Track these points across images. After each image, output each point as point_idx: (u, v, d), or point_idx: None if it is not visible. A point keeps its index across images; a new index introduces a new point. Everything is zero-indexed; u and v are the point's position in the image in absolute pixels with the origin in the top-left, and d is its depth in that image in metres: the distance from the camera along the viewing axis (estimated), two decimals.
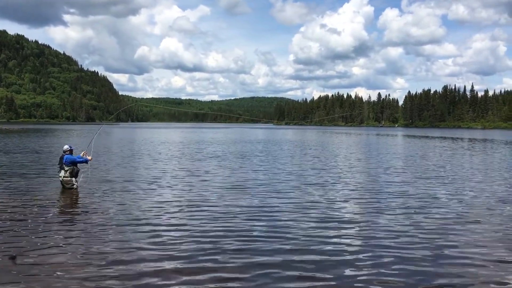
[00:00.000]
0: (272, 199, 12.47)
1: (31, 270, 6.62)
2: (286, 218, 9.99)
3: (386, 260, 7.15)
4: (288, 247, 7.75)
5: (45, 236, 8.41)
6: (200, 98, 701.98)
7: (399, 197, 12.94)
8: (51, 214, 10.42)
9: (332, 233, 8.75)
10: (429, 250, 7.71)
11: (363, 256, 7.30)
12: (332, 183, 15.78)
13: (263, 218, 10.01)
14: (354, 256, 7.30)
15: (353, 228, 9.24)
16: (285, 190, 14.04)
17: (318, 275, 6.47)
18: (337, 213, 10.64)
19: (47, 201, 12.02)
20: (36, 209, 10.89)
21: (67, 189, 13.60)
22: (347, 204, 11.88)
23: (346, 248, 7.79)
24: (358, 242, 8.11)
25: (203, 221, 9.57)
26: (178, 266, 6.82)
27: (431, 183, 16.19)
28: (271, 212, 10.67)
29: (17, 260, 6.91)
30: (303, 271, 6.59)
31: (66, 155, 13.73)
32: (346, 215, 10.49)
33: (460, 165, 23.17)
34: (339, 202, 12.13)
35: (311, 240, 8.21)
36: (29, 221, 9.69)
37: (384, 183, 16.09)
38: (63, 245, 7.91)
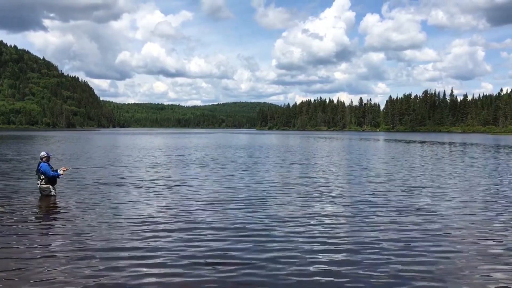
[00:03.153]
0: (256, 213, 11.58)
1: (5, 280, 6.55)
2: (270, 238, 9.04)
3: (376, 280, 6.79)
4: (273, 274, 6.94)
5: (19, 246, 8.19)
6: (182, 104, 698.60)
7: (393, 210, 12.00)
8: (27, 222, 10.30)
9: (321, 257, 7.81)
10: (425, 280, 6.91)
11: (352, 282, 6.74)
12: (320, 195, 14.77)
13: (244, 238, 9.04)
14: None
15: (343, 247, 8.42)
16: (270, 203, 13.08)
17: None
18: (326, 231, 9.65)
19: (24, 209, 11.87)
20: (12, 217, 10.79)
21: (45, 196, 13.35)
22: (336, 219, 10.85)
23: (341, 278, 7.02)
24: (349, 267, 7.30)
25: (179, 241, 8.73)
26: None
27: (425, 193, 15.46)
28: (254, 230, 9.72)
29: None
30: None
31: (41, 163, 13.45)
32: (335, 232, 9.53)
33: (446, 171, 23.28)
34: (327, 217, 11.09)
35: (299, 265, 7.35)
36: (5, 228, 9.63)
37: (376, 194, 15.09)
38: (37, 255, 7.77)
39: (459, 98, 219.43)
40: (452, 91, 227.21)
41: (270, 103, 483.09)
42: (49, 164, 13.68)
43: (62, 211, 11.90)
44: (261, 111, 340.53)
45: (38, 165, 13.54)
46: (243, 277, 6.81)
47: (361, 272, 7.05)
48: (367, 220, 10.77)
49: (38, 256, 7.71)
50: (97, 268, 7.12)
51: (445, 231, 9.76)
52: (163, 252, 7.99)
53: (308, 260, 7.60)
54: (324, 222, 10.49)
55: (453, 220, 10.87)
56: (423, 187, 16.64)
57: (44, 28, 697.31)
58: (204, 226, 10.01)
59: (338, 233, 9.52)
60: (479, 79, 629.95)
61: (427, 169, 23.88)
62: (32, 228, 9.81)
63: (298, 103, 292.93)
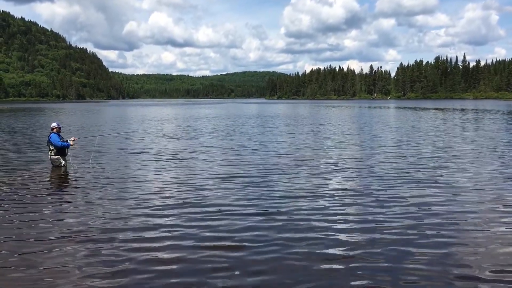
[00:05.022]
0: (267, 188, 11.04)
1: (18, 247, 6.70)
2: (281, 215, 8.50)
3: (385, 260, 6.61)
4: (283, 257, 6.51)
5: (27, 217, 8.19)
6: (191, 74, 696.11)
7: (411, 184, 11.27)
8: (36, 193, 10.40)
9: (335, 236, 7.35)
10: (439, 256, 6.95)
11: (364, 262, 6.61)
12: (333, 168, 14.02)
13: (255, 216, 8.37)
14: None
15: (358, 225, 7.99)
16: (281, 177, 12.32)
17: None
18: (340, 207, 8.96)
19: (35, 180, 12.01)
20: (22, 188, 10.95)
21: (55, 167, 13.45)
22: (350, 195, 10.16)
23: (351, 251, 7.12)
24: (365, 245, 7.02)
25: (187, 219, 8.20)
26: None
27: (442, 164, 15.11)
28: (265, 207, 9.16)
29: None
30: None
31: (52, 134, 13.47)
32: (350, 209, 8.95)
33: (462, 140, 22.83)
34: (341, 192, 10.28)
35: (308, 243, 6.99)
36: (15, 199, 9.74)
37: (391, 166, 14.51)
38: (48, 223, 7.91)
39: (472, 64, 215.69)
40: (464, 57, 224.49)
41: (279, 72, 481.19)
42: (59, 135, 13.67)
43: (71, 182, 11.95)
44: (270, 80, 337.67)
45: (49, 136, 13.55)
46: (253, 255, 6.40)
47: (377, 251, 6.59)
48: (383, 195, 10.02)
49: (45, 229, 7.62)
50: (101, 242, 6.97)
51: (466, 206, 9.09)
52: (170, 230, 7.55)
53: (322, 239, 7.07)
54: (338, 198, 9.79)
55: (474, 194, 10.15)
56: (439, 157, 15.96)
57: None
58: (213, 202, 9.43)
59: (353, 209, 8.91)
60: (492, 44, 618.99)
61: (442, 138, 23.46)
62: (40, 199, 9.76)
63: (307, 71, 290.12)
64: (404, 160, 15.18)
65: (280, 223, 7.89)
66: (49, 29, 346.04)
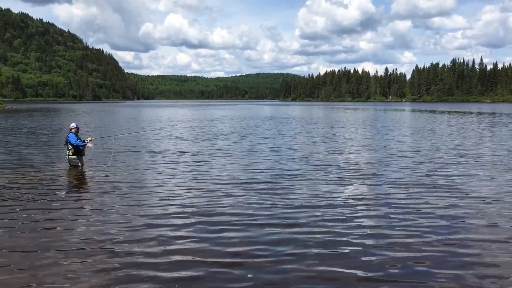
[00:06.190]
0: (282, 195, 11.04)
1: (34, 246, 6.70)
2: (297, 225, 8.12)
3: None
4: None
5: (41, 216, 8.17)
6: (205, 75, 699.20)
7: (433, 193, 10.80)
8: (53, 192, 10.61)
9: (353, 247, 7.37)
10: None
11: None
12: (350, 175, 13.43)
13: (270, 225, 8.07)
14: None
15: (376, 234, 7.82)
16: (297, 184, 11.89)
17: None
18: (358, 217, 8.67)
19: (52, 179, 12.22)
20: (40, 187, 11.17)
21: (73, 166, 13.58)
22: (367, 203, 9.83)
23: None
24: (383, 256, 6.86)
25: (200, 228, 7.90)
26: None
27: (464, 171, 14.71)
28: (280, 215, 8.93)
29: None
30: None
31: (70, 134, 13.60)
32: (367, 219, 8.64)
33: (484, 147, 22.34)
34: (358, 201, 10.00)
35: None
36: (31, 198, 9.96)
37: (409, 172, 14.59)
38: (60, 227, 7.90)
39: (489, 67, 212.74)
40: (481, 59, 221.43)
41: (294, 74, 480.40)
42: (77, 135, 13.79)
43: (87, 183, 12.11)
44: (284, 82, 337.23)
45: (67, 136, 13.70)
46: (270, 272, 6.20)
47: (398, 270, 6.31)
48: (403, 204, 9.65)
49: (57, 234, 7.54)
50: (113, 253, 6.83)
51: (495, 219, 8.65)
52: (183, 242, 7.24)
53: (341, 254, 6.76)
54: (356, 208, 9.36)
55: (501, 205, 9.68)
56: (460, 164, 15.56)
57: (68, 1, 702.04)
58: (229, 211, 9.06)
59: (373, 221, 8.51)
60: (510, 46, 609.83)
61: (462, 143, 23.05)
62: (56, 201, 9.76)
63: (322, 73, 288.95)
64: (424, 167, 14.75)
65: (297, 235, 7.53)
66: (66, 30, 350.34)
